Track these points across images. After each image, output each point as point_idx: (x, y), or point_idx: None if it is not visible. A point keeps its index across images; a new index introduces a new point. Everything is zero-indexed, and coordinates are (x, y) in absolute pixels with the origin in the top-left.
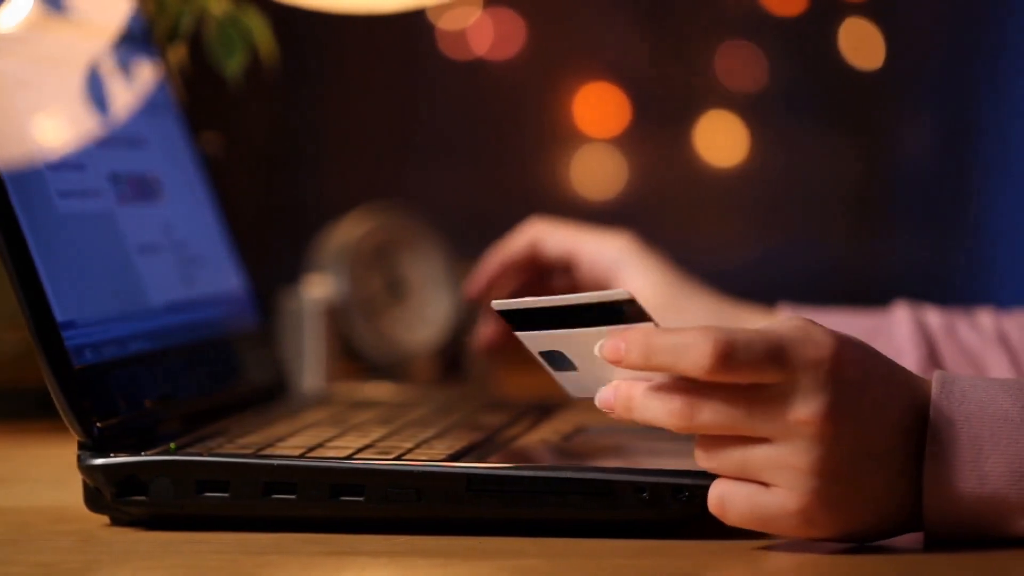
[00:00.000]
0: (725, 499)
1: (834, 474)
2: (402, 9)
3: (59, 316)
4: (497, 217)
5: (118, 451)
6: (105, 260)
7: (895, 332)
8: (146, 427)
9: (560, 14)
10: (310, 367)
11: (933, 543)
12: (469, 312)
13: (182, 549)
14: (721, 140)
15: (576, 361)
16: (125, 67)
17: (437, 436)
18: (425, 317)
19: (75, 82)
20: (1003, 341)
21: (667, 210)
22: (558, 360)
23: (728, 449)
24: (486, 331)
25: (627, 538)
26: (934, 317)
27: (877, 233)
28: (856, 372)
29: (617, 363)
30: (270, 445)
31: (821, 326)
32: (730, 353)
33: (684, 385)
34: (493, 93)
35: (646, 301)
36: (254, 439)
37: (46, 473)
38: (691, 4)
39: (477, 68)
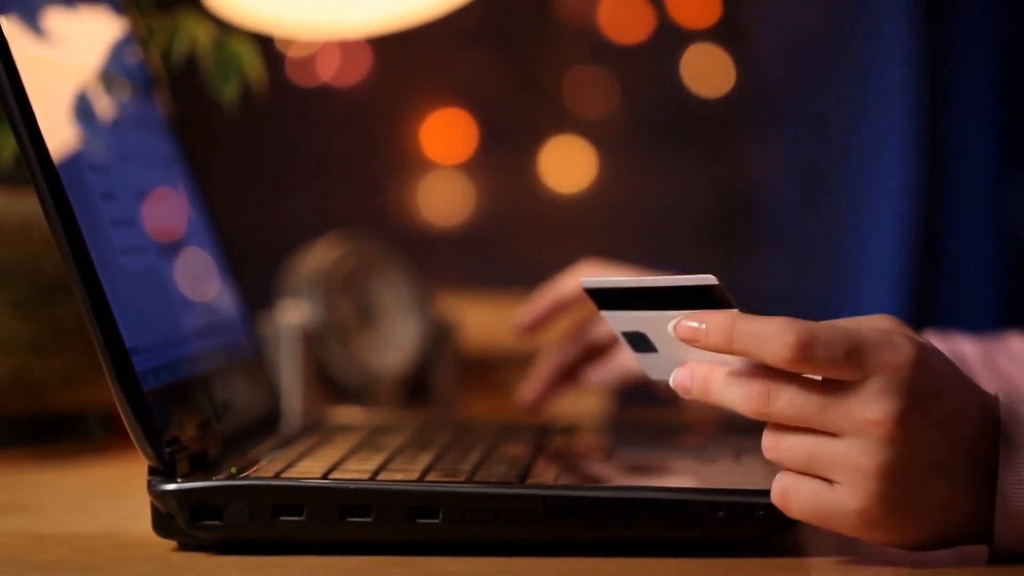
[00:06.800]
0: (788, 492)
1: (897, 478)
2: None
3: (127, 341)
4: None
5: (185, 476)
6: (149, 284)
7: None
8: (199, 452)
9: (407, 40)
10: (288, 392)
11: (998, 557)
12: (436, 337)
13: (270, 573)
14: (569, 165)
15: (657, 343)
16: (124, 93)
17: (487, 458)
18: (394, 342)
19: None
20: None
21: (515, 236)
22: (640, 341)
23: (797, 441)
24: (535, 385)
25: (702, 557)
26: (968, 346)
27: (733, 257)
28: (932, 382)
29: (693, 342)
30: (333, 469)
31: (906, 331)
32: (810, 346)
33: (763, 372)
34: (340, 119)
35: None
36: (312, 464)
37: (77, 500)
38: (538, 30)
39: (324, 94)
